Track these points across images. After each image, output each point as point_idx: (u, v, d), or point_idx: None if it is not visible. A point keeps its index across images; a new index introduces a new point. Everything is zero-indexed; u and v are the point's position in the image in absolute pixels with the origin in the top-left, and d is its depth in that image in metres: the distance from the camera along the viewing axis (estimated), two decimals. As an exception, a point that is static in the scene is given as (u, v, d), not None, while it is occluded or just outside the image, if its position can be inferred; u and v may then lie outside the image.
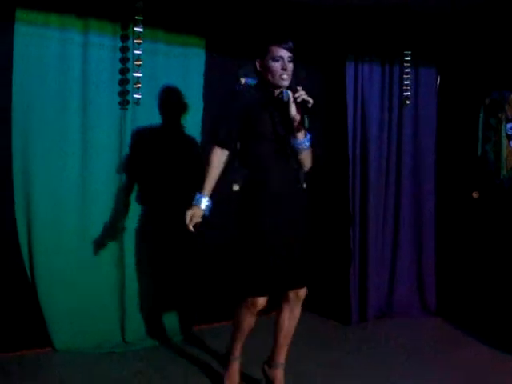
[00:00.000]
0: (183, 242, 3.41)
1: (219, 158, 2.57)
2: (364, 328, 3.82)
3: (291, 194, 2.60)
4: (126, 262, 3.32)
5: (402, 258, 4.02)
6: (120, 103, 3.27)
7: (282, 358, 2.77)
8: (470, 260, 3.92)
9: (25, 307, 3.13)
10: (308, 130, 2.56)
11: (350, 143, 3.82)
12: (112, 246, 3.31)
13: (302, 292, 2.66)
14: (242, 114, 2.56)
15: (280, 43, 2.50)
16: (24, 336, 3.15)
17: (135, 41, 3.22)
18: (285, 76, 2.51)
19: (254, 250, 2.53)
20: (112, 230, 3.28)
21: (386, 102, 3.92)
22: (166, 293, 3.51)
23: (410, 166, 3.99)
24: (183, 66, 3.48)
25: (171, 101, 3.44)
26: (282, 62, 2.50)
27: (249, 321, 2.67)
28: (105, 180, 3.26)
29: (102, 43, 3.18)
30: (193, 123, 3.52)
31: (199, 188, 2.54)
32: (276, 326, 2.75)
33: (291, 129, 2.53)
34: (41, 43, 3.04)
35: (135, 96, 3.26)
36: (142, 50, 3.24)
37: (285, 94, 2.50)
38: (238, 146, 2.64)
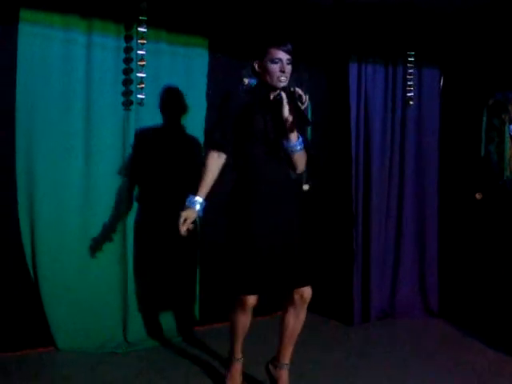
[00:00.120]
0: (187, 243, 3.39)
1: (216, 161, 2.56)
2: (366, 329, 3.82)
3: (282, 196, 2.58)
4: (128, 262, 3.32)
5: (404, 259, 4.02)
6: (123, 103, 3.27)
7: (286, 358, 2.76)
8: (472, 261, 3.92)
9: (28, 307, 3.14)
10: (308, 137, 2.55)
11: (353, 143, 3.82)
12: (114, 247, 3.31)
13: (307, 294, 2.65)
14: (235, 114, 2.55)
15: (279, 45, 2.49)
16: (27, 335, 3.16)
17: (139, 41, 3.22)
18: (283, 78, 2.50)
19: (242, 251, 2.53)
20: (115, 231, 3.28)
21: (389, 102, 3.91)
22: (168, 293, 3.51)
23: (412, 167, 3.99)
24: (186, 66, 3.48)
25: (174, 101, 3.45)
26: (281, 64, 2.49)
27: (242, 320, 2.67)
28: (108, 180, 3.27)
29: (106, 43, 3.19)
30: (196, 123, 3.52)
31: (194, 190, 2.52)
32: (281, 325, 2.75)
33: (284, 131, 2.51)
34: (45, 43, 3.04)
35: (139, 96, 3.27)
36: (146, 51, 3.24)
37: (281, 96, 2.49)
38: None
